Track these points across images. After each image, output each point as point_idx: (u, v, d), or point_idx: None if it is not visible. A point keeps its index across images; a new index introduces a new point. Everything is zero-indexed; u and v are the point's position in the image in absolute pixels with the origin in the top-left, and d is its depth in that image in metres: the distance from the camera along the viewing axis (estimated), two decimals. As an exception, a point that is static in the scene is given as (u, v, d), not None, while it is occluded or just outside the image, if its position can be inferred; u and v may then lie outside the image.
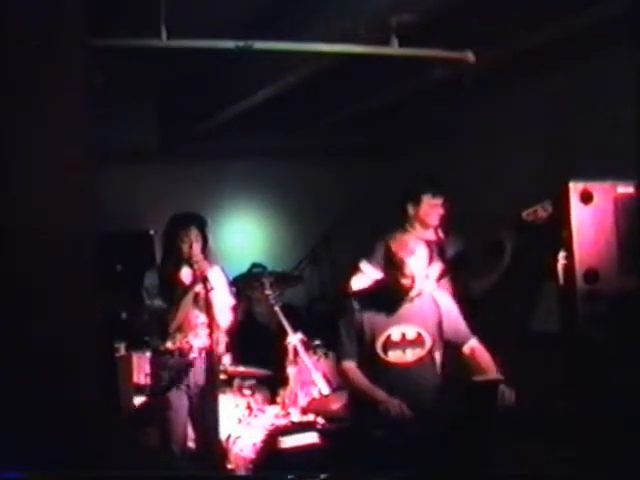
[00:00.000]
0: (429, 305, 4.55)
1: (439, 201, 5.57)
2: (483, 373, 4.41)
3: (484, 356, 4.50)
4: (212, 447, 5.21)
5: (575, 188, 4.86)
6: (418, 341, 4.48)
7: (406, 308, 4.49)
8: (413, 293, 4.45)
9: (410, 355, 4.47)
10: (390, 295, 4.50)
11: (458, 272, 5.50)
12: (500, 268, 5.51)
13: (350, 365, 4.47)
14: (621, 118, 5.63)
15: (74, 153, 3.85)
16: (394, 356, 4.45)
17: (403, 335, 4.46)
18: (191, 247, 5.11)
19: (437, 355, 4.55)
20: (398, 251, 4.41)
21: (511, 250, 5.45)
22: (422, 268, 4.44)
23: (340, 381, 4.94)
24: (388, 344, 4.45)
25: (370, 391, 4.37)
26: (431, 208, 5.55)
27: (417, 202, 5.55)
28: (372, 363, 4.46)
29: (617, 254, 4.84)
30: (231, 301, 5.44)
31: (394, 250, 4.43)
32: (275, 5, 5.90)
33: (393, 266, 4.43)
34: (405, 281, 4.40)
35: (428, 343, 4.49)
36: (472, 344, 4.54)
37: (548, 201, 5.10)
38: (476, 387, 4.16)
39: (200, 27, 5.67)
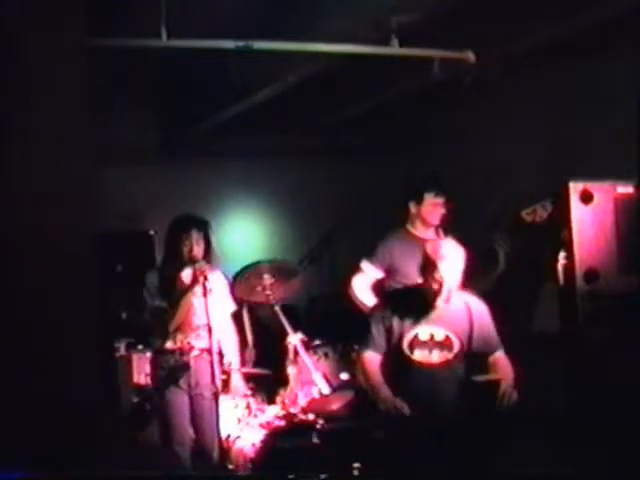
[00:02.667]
0: (462, 310, 4.53)
1: (441, 200, 5.57)
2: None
3: (505, 368, 4.47)
4: (212, 447, 5.21)
5: (575, 188, 4.87)
6: (446, 343, 4.45)
7: (438, 310, 4.48)
8: (444, 295, 4.43)
9: (436, 356, 4.45)
10: (422, 297, 4.50)
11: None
12: (494, 274, 5.48)
13: (371, 355, 4.48)
14: (621, 118, 5.63)
15: (74, 153, 3.86)
16: (420, 355, 4.44)
17: (431, 335, 4.45)
18: (192, 250, 5.10)
19: (464, 361, 4.50)
20: (432, 253, 4.43)
21: (505, 255, 5.42)
22: (455, 270, 4.43)
23: (356, 368, 4.92)
24: (415, 342, 4.44)
25: (377, 387, 4.37)
26: (433, 207, 5.56)
27: (419, 200, 5.55)
28: (397, 360, 4.46)
29: (617, 254, 4.84)
30: (231, 307, 5.44)
31: (429, 252, 4.45)
32: (275, 5, 5.89)
33: (426, 268, 4.44)
34: (436, 283, 4.39)
35: (456, 347, 4.46)
36: (498, 356, 4.52)
37: (548, 200, 5.10)
38: (477, 387, 4.16)
39: (200, 27, 5.67)
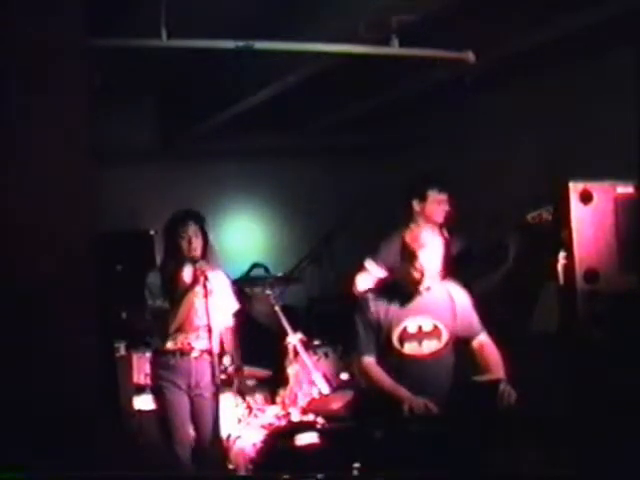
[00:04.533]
0: (444, 298, 4.55)
1: (444, 197, 5.56)
2: (490, 369, 4.41)
3: (492, 352, 4.51)
4: (212, 447, 5.21)
5: (575, 188, 4.86)
6: (434, 333, 4.47)
7: (421, 300, 4.49)
8: (426, 283, 4.44)
9: (426, 347, 4.45)
10: (404, 286, 4.50)
11: (463, 271, 5.49)
12: (503, 270, 5.49)
13: (370, 360, 4.45)
14: (621, 118, 5.63)
15: (74, 153, 3.86)
16: (410, 348, 4.43)
17: (419, 327, 4.45)
18: (190, 243, 5.11)
19: (453, 348, 4.53)
20: (411, 242, 4.43)
21: (515, 253, 5.43)
22: (435, 258, 4.44)
23: (360, 377, 4.90)
24: (404, 336, 4.44)
25: (393, 389, 4.35)
26: (437, 204, 5.55)
27: (423, 198, 5.54)
28: (389, 355, 4.45)
29: (617, 254, 4.83)
30: (235, 306, 5.43)
31: (407, 241, 4.46)
32: (275, 5, 5.90)
33: (406, 256, 4.44)
34: (417, 272, 4.40)
35: (445, 336, 4.48)
36: (481, 339, 4.54)
37: (552, 205, 5.10)
38: (476, 387, 4.16)
39: (200, 27, 5.67)
